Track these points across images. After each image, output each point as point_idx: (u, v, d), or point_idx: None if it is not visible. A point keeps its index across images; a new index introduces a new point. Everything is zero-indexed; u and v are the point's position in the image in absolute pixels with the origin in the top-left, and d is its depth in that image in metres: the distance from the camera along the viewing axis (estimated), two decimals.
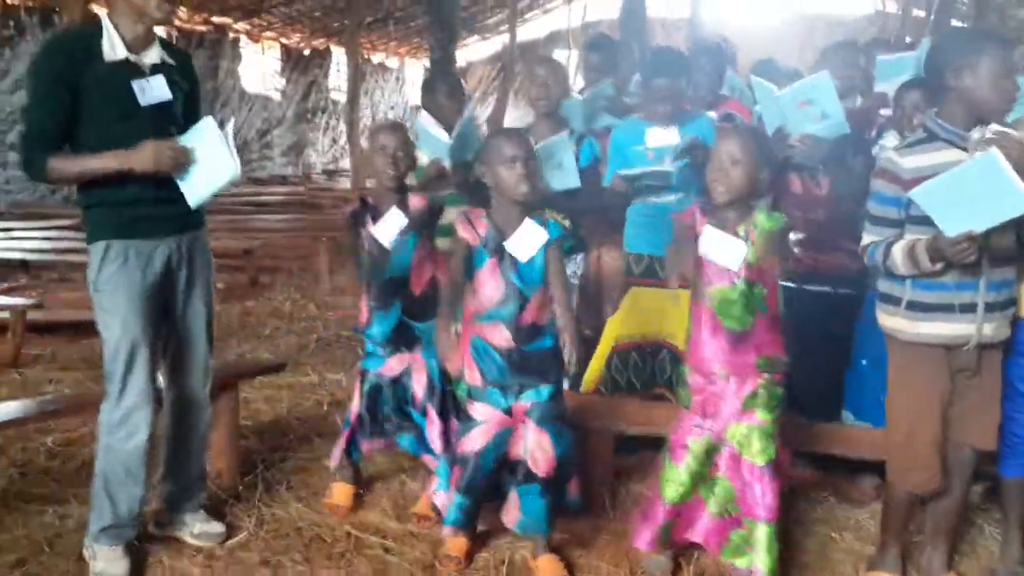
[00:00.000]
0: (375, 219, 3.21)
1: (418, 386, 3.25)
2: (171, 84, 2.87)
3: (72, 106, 2.75)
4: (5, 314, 5.70)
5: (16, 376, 5.11)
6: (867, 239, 2.69)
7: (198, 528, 3.10)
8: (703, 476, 2.74)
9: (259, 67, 18.50)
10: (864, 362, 3.38)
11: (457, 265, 2.86)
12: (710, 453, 2.72)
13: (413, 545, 3.08)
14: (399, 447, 3.35)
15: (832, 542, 3.15)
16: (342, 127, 18.64)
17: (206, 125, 2.84)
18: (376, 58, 21.74)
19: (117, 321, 2.82)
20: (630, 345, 3.77)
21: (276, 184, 16.75)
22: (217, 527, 3.13)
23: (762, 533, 2.63)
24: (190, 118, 2.98)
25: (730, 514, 2.72)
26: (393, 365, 3.26)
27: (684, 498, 2.74)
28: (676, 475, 2.73)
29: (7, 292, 7.09)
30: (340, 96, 19.43)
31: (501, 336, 2.82)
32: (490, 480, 2.89)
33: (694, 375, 2.75)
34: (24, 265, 8.33)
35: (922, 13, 14.43)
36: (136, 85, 2.78)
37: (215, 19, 16.62)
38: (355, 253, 3.28)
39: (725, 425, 2.70)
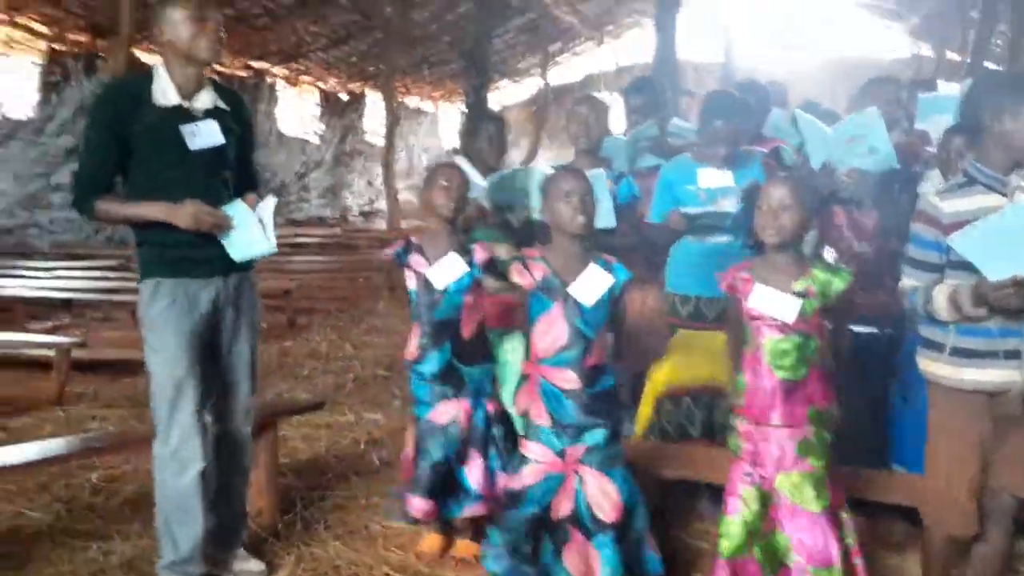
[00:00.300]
0: (427, 258, 3.20)
1: (466, 435, 3.20)
2: (223, 128, 2.94)
3: (121, 152, 2.85)
4: (50, 352, 5.84)
5: (60, 413, 5.22)
6: (907, 282, 2.68)
7: (238, 567, 3.13)
8: (758, 530, 2.67)
9: (297, 111, 18.86)
10: (905, 408, 3.35)
11: (523, 310, 2.89)
12: (764, 504, 2.67)
13: None
14: (446, 515, 3.24)
15: None
16: (378, 170, 18.87)
17: (237, 207, 2.90)
18: (411, 102, 22.05)
19: (163, 358, 2.88)
20: (682, 391, 3.67)
21: (313, 225, 16.99)
22: (256, 565, 3.15)
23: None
24: (243, 161, 3.08)
25: (785, 567, 2.64)
26: (441, 412, 3.21)
27: (738, 552, 2.66)
28: (728, 527, 2.68)
29: (51, 331, 7.25)
30: (376, 139, 19.72)
31: (568, 379, 2.79)
32: (528, 528, 2.80)
33: (744, 423, 2.73)
34: (67, 304, 8.50)
35: (957, 56, 14.45)
36: (185, 129, 2.86)
37: (254, 64, 17.00)
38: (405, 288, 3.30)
39: (775, 473, 2.66)
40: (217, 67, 15.94)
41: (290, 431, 4.63)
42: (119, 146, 2.85)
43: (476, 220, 3.76)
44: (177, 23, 2.84)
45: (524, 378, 2.92)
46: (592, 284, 2.81)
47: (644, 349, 4.00)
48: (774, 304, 2.62)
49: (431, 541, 3.32)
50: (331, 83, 19.48)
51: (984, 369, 2.56)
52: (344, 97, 20.02)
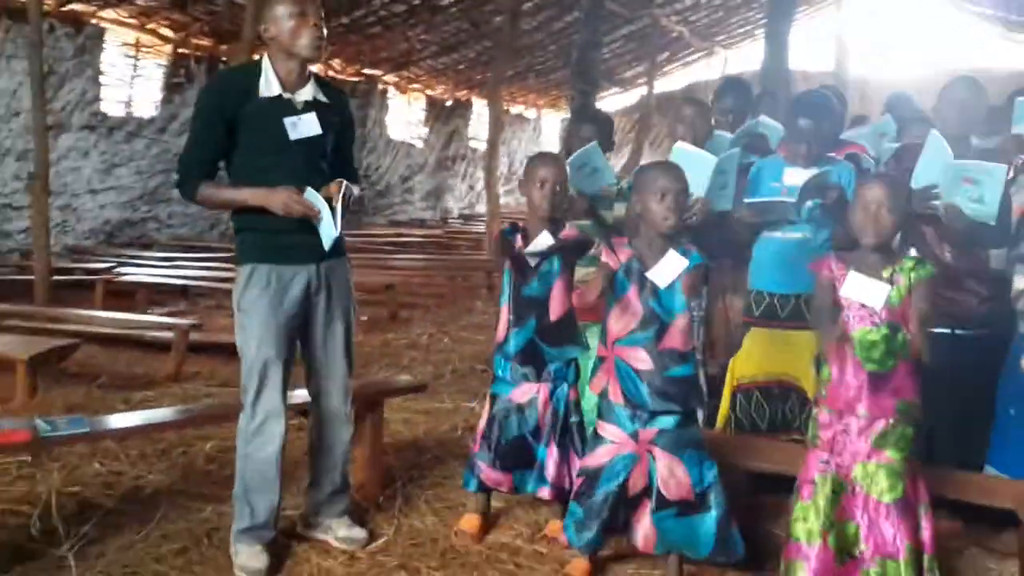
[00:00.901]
0: (525, 242, 3.28)
1: (545, 417, 3.27)
2: (323, 121, 3.08)
3: (227, 138, 3.02)
4: (168, 334, 6.19)
5: (177, 390, 5.51)
6: (1021, 283, 2.66)
7: (343, 532, 3.28)
8: (830, 518, 2.69)
9: (404, 116, 19.29)
10: (1012, 411, 3.29)
11: (598, 284, 2.97)
12: (837, 492, 2.70)
13: (542, 563, 3.18)
14: (521, 490, 3.35)
15: None
16: (479, 174, 19.14)
17: (311, 193, 2.98)
18: (515, 109, 22.30)
19: (254, 340, 3.05)
20: (753, 385, 3.78)
21: (415, 227, 17.36)
22: (360, 532, 3.30)
23: (894, 570, 2.61)
24: (342, 153, 3.22)
25: (853, 556, 2.69)
26: (521, 392, 3.29)
27: (811, 538, 2.69)
28: (805, 512, 2.72)
29: (170, 315, 7.64)
30: (479, 144, 20.01)
31: (641, 359, 2.90)
32: (606, 504, 2.91)
33: (825, 413, 2.75)
34: (184, 292, 8.95)
35: None
36: (287, 121, 3.01)
37: (366, 71, 17.48)
38: (501, 270, 3.39)
39: (852, 463, 2.69)
40: (331, 73, 16.51)
41: (391, 415, 4.77)
42: (224, 132, 3.01)
43: (566, 211, 3.84)
44: (280, 19, 2.99)
45: (600, 360, 3.02)
46: (669, 268, 2.90)
47: (734, 344, 4.03)
48: (865, 290, 2.65)
49: (470, 520, 3.39)
50: (439, 90, 19.86)
51: None
52: (450, 103, 20.38)
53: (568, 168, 3.55)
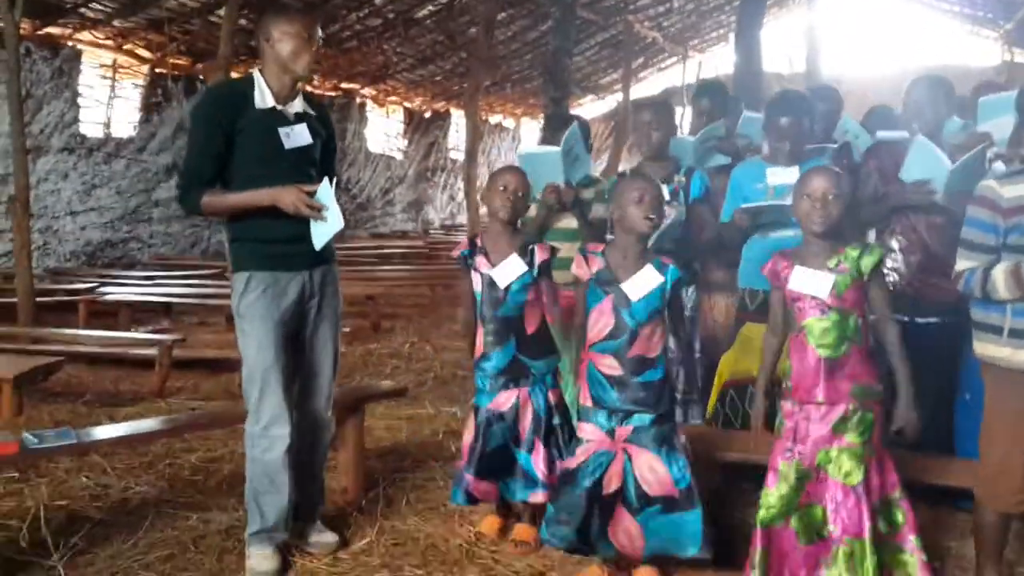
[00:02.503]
0: (490, 260, 3.35)
1: (525, 421, 3.35)
2: (311, 131, 3.21)
3: (226, 148, 3.11)
4: (152, 351, 6.24)
5: (162, 405, 5.58)
6: (962, 265, 2.76)
7: (314, 537, 3.35)
8: (794, 502, 2.80)
9: (383, 129, 19.41)
10: (968, 397, 3.41)
11: (581, 307, 3.08)
12: (801, 479, 2.79)
13: (520, 559, 3.26)
14: (507, 496, 3.41)
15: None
16: (459, 184, 19.28)
17: (325, 186, 3.09)
18: (493, 119, 22.45)
19: (254, 344, 3.13)
20: (745, 381, 3.78)
21: (396, 238, 17.45)
22: (330, 536, 3.36)
23: (860, 548, 2.71)
24: (326, 161, 3.32)
25: (821, 538, 2.78)
26: (503, 400, 3.36)
27: (774, 521, 2.80)
28: (767, 499, 2.82)
29: (153, 333, 7.69)
30: (458, 155, 20.14)
31: (609, 365, 3.00)
32: (583, 503, 2.95)
33: (789, 403, 2.85)
34: (167, 309, 9.01)
35: None
36: (282, 131, 3.13)
37: (344, 85, 17.59)
38: (470, 291, 3.45)
39: (816, 450, 2.78)
40: (309, 87, 16.56)
41: (374, 422, 4.88)
42: (223, 142, 3.10)
43: (554, 207, 3.94)
44: (285, 37, 3.09)
45: (580, 363, 3.11)
46: (643, 282, 2.99)
47: (719, 346, 4.13)
48: (810, 282, 2.76)
49: (490, 522, 3.48)
50: (416, 102, 19.99)
51: None
52: (428, 115, 20.50)
53: (559, 155, 3.69)
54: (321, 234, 3.13)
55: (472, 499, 3.42)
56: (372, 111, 18.93)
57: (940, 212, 3.50)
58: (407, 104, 19.86)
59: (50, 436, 3.25)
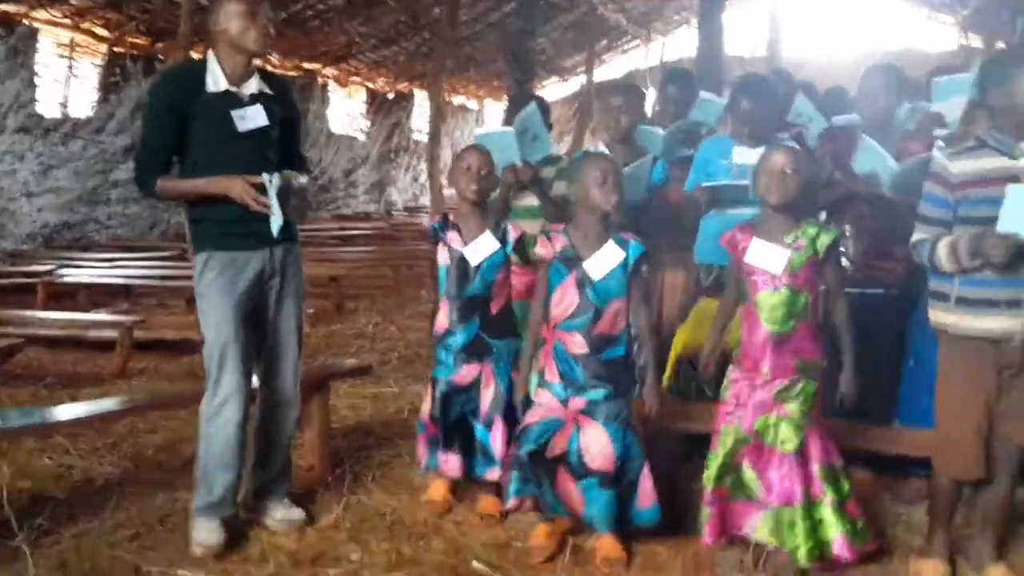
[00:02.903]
0: (462, 237, 3.42)
1: (486, 397, 3.42)
2: (269, 112, 3.20)
3: (179, 132, 3.12)
4: (113, 333, 6.20)
5: (124, 386, 5.55)
6: (917, 236, 2.89)
7: (280, 514, 3.38)
8: (729, 463, 2.94)
9: (346, 110, 19.28)
10: (912, 363, 3.53)
11: (542, 291, 3.14)
12: (738, 442, 2.93)
13: (484, 530, 3.34)
14: (472, 474, 3.48)
15: (883, 536, 3.28)
16: (423, 166, 19.23)
17: (265, 182, 3.09)
18: (457, 100, 22.39)
19: (213, 322, 3.16)
20: (699, 353, 3.94)
21: (360, 220, 17.38)
22: (297, 513, 3.40)
23: (789, 515, 2.84)
24: (289, 142, 3.33)
25: (751, 499, 2.93)
26: (464, 374, 3.44)
27: (716, 483, 2.94)
28: (710, 461, 2.98)
29: (113, 314, 7.62)
30: (422, 137, 20.08)
31: (576, 343, 3.06)
32: (531, 461, 3.06)
33: (737, 371, 2.98)
34: (126, 291, 8.91)
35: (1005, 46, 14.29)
36: (235, 114, 3.13)
37: (306, 65, 17.42)
38: (434, 263, 3.50)
39: (756, 416, 2.91)
40: (270, 67, 16.42)
41: (338, 401, 4.90)
42: (177, 127, 3.11)
43: (514, 185, 3.98)
44: (231, 15, 3.10)
45: (542, 341, 3.17)
46: (605, 259, 3.05)
47: (672, 321, 4.23)
48: (766, 256, 2.86)
49: (437, 487, 3.56)
50: (379, 83, 19.87)
51: (986, 317, 2.74)
52: (391, 96, 20.40)
53: (513, 135, 3.71)
54: (273, 223, 3.14)
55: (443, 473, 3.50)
56: (334, 92, 18.78)
57: (886, 204, 3.61)
58: (370, 85, 19.73)
59: (15, 416, 3.25)
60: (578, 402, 3.06)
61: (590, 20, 18.30)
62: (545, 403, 3.11)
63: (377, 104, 20.08)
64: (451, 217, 3.50)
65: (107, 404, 3.76)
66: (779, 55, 15.87)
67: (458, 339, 3.43)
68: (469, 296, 3.40)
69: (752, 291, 2.93)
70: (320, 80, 18.12)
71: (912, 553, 3.09)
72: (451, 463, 3.45)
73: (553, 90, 22.28)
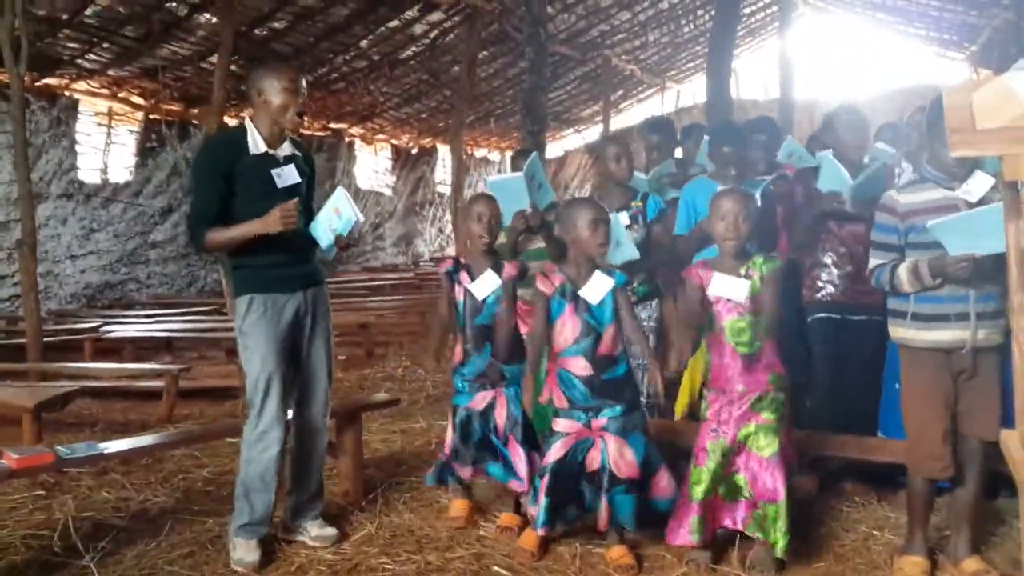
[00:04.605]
0: (471, 276, 3.82)
1: (500, 418, 3.78)
2: (298, 171, 3.62)
3: (226, 191, 3.50)
4: (159, 383, 6.62)
5: (172, 430, 5.92)
6: (873, 262, 3.27)
7: (315, 532, 3.71)
8: (720, 475, 3.24)
9: (372, 166, 19.90)
10: (897, 386, 3.82)
11: (541, 316, 3.48)
12: (727, 455, 3.24)
13: (505, 544, 3.65)
14: (489, 476, 3.86)
15: (872, 537, 3.57)
16: (448, 217, 19.74)
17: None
18: (479, 152, 23.00)
19: (258, 358, 3.52)
20: None
21: (387, 271, 17.86)
22: (331, 531, 3.72)
23: (773, 511, 3.15)
24: (310, 196, 3.76)
25: (747, 499, 3.24)
26: (479, 400, 3.82)
27: (707, 495, 3.24)
28: (700, 476, 3.26)
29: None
30: (445, 189, 20.63)
31: (581, 367, 3.41)
32: (570, 486, 3.40)
33: (711, 392, 3.31)
34: (168, 345, 9.37)
35: None
36: (274, 172, 3.54)
37: (332, 125, 18.09)
38: (451, 303, 3.90)
39: (737, 428, 3.23)
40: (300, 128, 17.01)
41: (371, 436, 5.26)
42: (224, 186, 3.50)
43: (523, 233, 4.36)
44: (276, 90, 3.48)
45: (547, 373, 3.52)
46: (597, 286, 3.44)
47: (677, 352, 4.53)
48: (730, 287, 3.23)
49: (457, 506, 3.90)
50: (403, 139, 20.50)
51: (938, 331, 3.10)
52: (415, 151, 21.01)
53: (523, 181, 4.17)
54: (324, 232, 3.54)
55: (442, 481, 3.88)
56: (360, 149, 19.43)
57: (854, 219, 3.96)
58: (394, 141, 20.38)
59: (80, 448, 3.63)
60: (600, 421, 3.38)
61: (604, 72, 18.84)
62: (568, 429, 3.42)
63: (402, 160, 20.70)
64: (462, 259, 3.90)
65: (165, 436, 4.15)
66: (790, 97, 16.28)
67: (473, 367, 3.82)
68: (480, 325, 3.81)
69: (718, 319, 3.28)
70: (347, 139, 18.78)
71: (895, 551, 3.36)
72: (466, 472, 3.83)
73: (569, 141, 22.81)
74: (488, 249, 3.86)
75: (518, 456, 3.75)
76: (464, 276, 3.85)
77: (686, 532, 3.25)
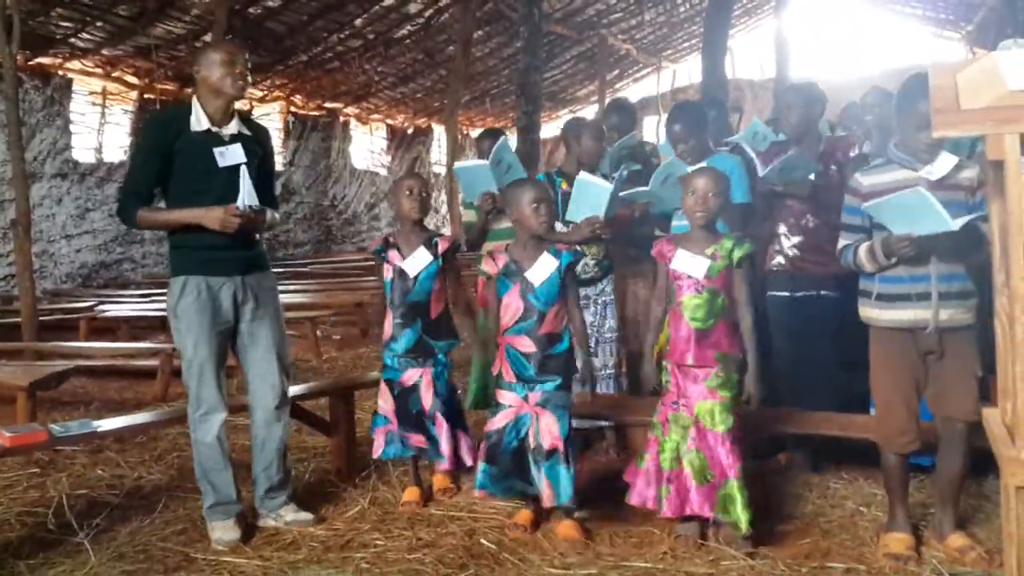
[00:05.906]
0: (401, 253, 3.88)
1: (426, 397, 3.86)
2: (246, 151, 3.55)
3: (162, 169, 3.47)
4: (154, 361, 6.65)
5: (166, 409, 5.94)
6: (841, 243, 3.34)
7: (291, 517, 3.67)
8: (683, 446, 3.29)
9: (367, 146, 19.87)
10: None
11: (492, 294, 3.58)
12: (686, 427, 3.30)
13: (493, 518, 3.70)
14: (428, 457, 3.93)
15: (858, 513, 3.61)
16: (443, 197, 19.73)
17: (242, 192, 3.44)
18: (474, 132, 22.91)
19: (190, 342, 3.50)
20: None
21: None
22: (306, 515, 3.69)
23: (732, 487, 3.20)
24: (264, 179, 3.67)
25: (708, 481, 3.27)
26: (409, 376, 3.89)
27: (674, 465, 3.30)
28: (664, 445, 3.34)
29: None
30: (441, 169, 20.63)
31: (526, 344, 3.49)
32: (512, 456, 3.47)
33: (670, 365, 3.38)
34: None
35: None
36: (216, 151, 3.50)
37: (328, 104, 18.05)
38: (382, 281, 3.95)
39: (694, 403, 3.30)
40: (294, 108, 17.02)
41: (363, 414, 5.26)
42: (161, 164, 3.47)
43: (491, 211, 4.47)
44: (212, 63, 3.48)
45: (496, 347, 3.61)
46: (542, 268, 3.51)
47: (636, 327, 4.58)
48: (689, 264, 3.30)
49: (411, 492, 3.92)
50: (398, 119, 20.46)
51: (901, 310, 3.16)
52: (411, 131, 20.97)
53: (489, 169, 4.28)
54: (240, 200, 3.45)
55: (405, 451, 3.91)
56: (356, 129, 19.40)
57: (790, 197, 4.14)
58: (389, 121, 20.34)
59: (74, 426, 3.65)
60: (535, 395, 3.48)
61: (600, 51, 18.79)
62: (510, 403, 3.52)
63: (397, 139, 20.67)
64: (391, 239, 3.96)
65: (158, 414, 4.19)
66: (786, 76, 16.25)
67: (403, 343, 3.87)
68: (411, 302, 3.85)
69: (678, 294, 3.35)
70: (342, 118, 18.74)
71: (881, 528, 3.40)
72: (418, 439, 3.87)
73: (566, 120, 22.72)
74: (417, 225, 3.93)
75: (443, 434, 3.84)
76: (393, 254, 3.90)
77: (652, 496, 3.33)
